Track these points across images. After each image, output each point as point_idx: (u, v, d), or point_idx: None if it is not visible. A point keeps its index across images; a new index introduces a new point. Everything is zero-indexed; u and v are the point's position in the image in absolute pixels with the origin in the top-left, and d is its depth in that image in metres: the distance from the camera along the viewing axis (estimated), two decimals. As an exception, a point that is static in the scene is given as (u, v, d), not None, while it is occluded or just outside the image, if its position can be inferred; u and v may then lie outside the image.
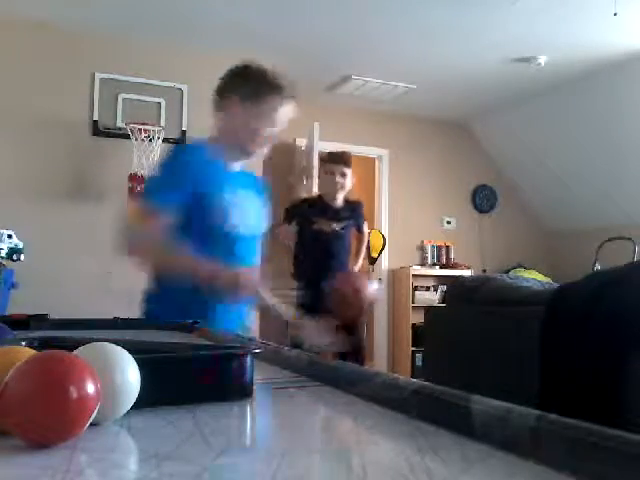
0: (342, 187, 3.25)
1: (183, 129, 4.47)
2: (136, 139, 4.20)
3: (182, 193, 1.59)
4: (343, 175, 3.24)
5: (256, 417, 0.73)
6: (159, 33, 4.41)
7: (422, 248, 6.40)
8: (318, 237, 3.24)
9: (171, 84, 4.49)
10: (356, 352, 3.15)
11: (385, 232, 6.03)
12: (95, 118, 4.30)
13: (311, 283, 3.05)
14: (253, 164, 4.71)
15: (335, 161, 3.27)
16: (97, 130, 4.30)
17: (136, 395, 0.60)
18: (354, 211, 3.35)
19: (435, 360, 3.45)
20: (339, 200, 3.30)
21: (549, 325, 2.21)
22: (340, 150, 3.46)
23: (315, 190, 5.13)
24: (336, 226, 3.25)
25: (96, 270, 4.14)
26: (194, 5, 4.01)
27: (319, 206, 3.31)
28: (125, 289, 4.18)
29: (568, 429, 0.47)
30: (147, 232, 1.56)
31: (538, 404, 2.06)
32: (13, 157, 4.10)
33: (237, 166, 1.81)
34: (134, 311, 1.81)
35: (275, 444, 0.57)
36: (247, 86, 1.70)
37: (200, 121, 4.67)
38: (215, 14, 4.13)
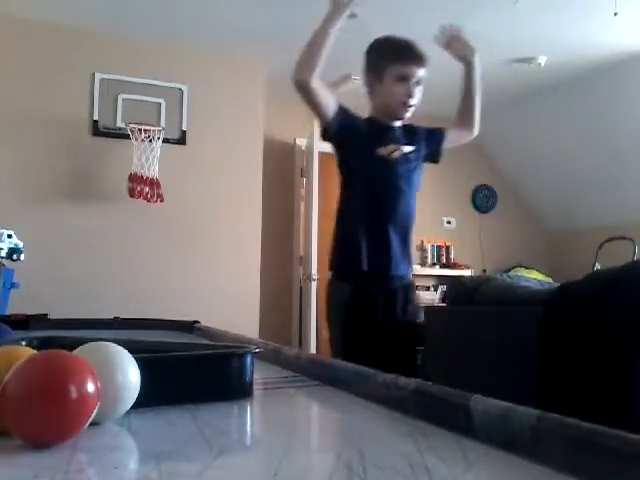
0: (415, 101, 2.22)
1: (183, 129, 4.46)
2: (136, 139, 4.19)
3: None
4: (419, 82, 2.23)
5: (256, 417, 0.73)
6: (159, 33, 4.41)
7: (422, 248, 6.39)
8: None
9: (171, 84, 4.49)
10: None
11: (385, 232, 6.02)
12: (95, 118, 4.30)
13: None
14: (251, 169, 4.73)
15: (413, 60, 2.20)
16: (97, 130, 4.29)
17: (136, 395, 0.60)
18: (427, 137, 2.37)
19: (435, 360, 3.44)
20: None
21: (549, 325, 2.21)
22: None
23: (315, 187, 5.10)
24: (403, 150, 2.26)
25: (96, 269, 4.13)
26: (194, 5, 4.01)
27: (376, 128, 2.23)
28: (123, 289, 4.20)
29: (568, 429, 0.47)
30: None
31: (538, 404, 2.06)
32: (13, 157, 4.10)
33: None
34: (134, 311, 1.81)
35: (275, 444, 0.57)
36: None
37: (200, 121, 4.71)
38: (215, 14, 4.12)
